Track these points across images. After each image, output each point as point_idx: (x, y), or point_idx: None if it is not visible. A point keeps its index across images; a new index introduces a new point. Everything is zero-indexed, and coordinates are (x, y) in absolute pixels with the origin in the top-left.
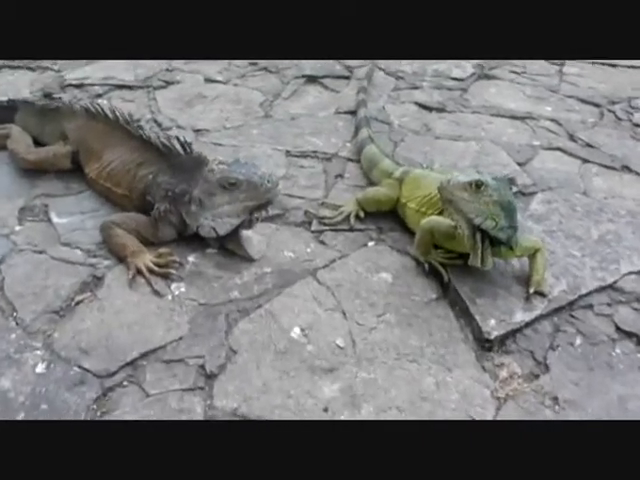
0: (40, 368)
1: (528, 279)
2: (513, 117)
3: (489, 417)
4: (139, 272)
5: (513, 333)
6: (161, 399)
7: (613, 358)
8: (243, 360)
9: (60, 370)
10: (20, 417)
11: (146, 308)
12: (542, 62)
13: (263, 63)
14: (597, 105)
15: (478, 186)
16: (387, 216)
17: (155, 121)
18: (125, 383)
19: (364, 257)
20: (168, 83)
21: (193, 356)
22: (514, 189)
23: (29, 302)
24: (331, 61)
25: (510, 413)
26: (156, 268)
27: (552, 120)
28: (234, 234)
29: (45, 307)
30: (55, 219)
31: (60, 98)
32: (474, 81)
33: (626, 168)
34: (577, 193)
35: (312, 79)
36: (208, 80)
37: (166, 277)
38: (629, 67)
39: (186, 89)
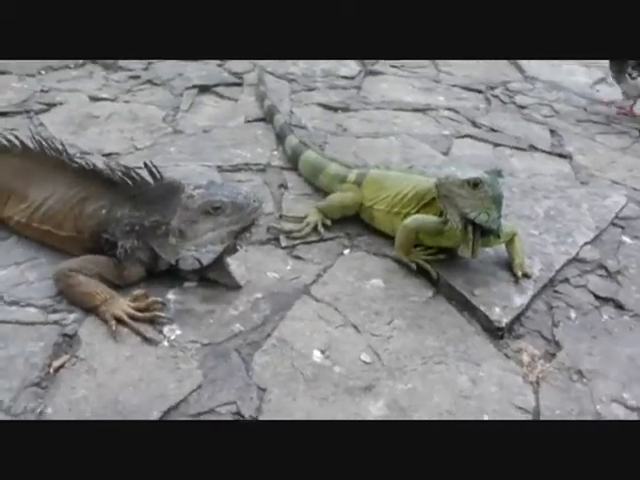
0: None
1: (511, 263)
2: (415, 110)
3: (532, 403)
4: (119, 321)
5: (518, 317)
6: None
7: (606, 324)
8: (276, 396)
9: None
10: None
11: (144, 360)
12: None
13: (144, 75)
14: (480, 91)
15: (476, 184)
16: (350, 221)
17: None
18: None
19: (347, 266)
20: (49, 105)
21: (222, 403)
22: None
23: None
24: (216, 68)
25: (547, 394)
26: (138, 313)
27: (449, 109)
28: (217, 262)
29: (22, 382)
30: None
31: None
32: (363, 78)
33: (532, 147)
34: (506, 176)
35: (204, 89)
36: (93, 98)
37: (153, 321)
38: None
39: (73, 110)
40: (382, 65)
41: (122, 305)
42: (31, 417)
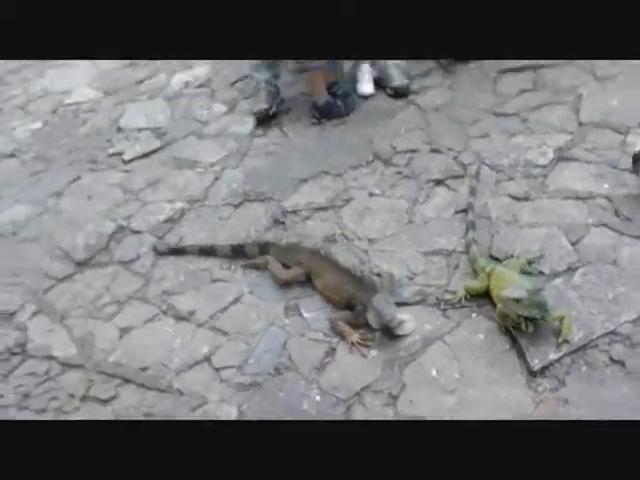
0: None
1: (558, 333)
2: (577, 198)
3: (528, 412)
4: (353, 345)
5: (547, 366)
6: None
7: (604, 376)
8: (409, 394)
9: (328, 403)
10: None
11: (360, 364)
12: (610, 133)
13: (404, 171)
14: None
15: (517, 300)
16: (483, 297)
17: (344, 235)
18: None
19: (468, 324)
20: (346, 202)
21: (384, 388)
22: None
23: (304, 363)
24: (450, 160)
25: (541, 410)
26: (360, 342)
27: (606, 197)
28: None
29: (311, 365)
30: (305, 314)
31: (284, 222)
32: (554, 165)
33: None
34: (608, 264)
35: (439, 182)
36: (371, 195)
37: (367, 347)
38: None
39: (359, 204)
40: (579, 149)
41: (355, 337)
42: (314, 384)
